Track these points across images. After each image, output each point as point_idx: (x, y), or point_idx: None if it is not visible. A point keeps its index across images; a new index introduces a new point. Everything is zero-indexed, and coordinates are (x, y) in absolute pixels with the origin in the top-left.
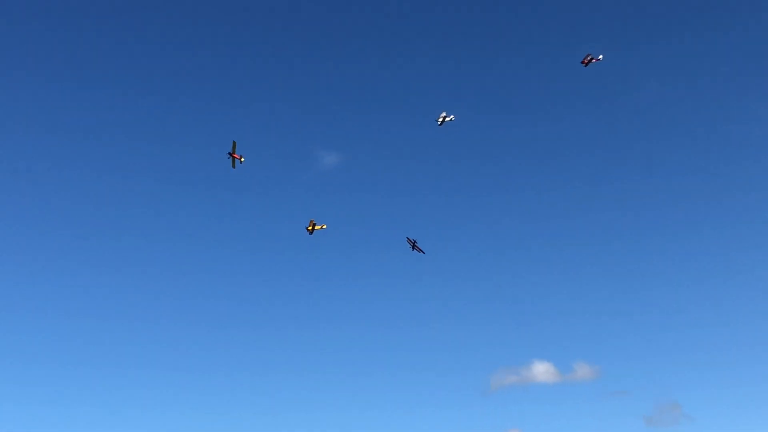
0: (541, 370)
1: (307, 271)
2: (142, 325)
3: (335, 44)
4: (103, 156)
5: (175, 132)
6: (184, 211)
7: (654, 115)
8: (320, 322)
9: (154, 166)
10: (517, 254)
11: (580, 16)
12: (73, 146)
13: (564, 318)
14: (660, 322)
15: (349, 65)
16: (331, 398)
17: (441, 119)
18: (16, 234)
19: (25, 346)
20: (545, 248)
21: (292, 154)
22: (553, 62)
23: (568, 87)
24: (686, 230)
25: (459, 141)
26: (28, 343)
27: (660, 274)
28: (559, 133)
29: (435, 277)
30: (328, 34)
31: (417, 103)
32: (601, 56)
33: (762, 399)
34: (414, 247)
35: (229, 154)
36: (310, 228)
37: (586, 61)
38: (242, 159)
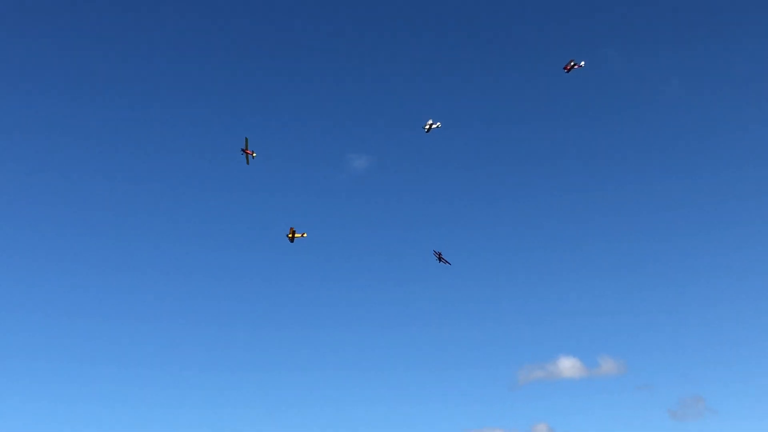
0: (567, 366)
1: (339, 273)
2: (177, 324)
3: (367, 50)
4: (135, 161)
5: (208, 136)
6: (218, 214)
7: (675, 116)
8: (353, 321)
9: (186, 171)
10: (543, 252)
11: (600, 17)
12: (102, 150)
13: (589, 314)
14: (683, 316)
15: (380, 70)
16: (364, 395)
17: (428, 126)
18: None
19: (26, 346)
20: (570, 246)
21: (323, 157)
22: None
23: (587, 89)
24: (710, 227)
25: (484, 145)
26: (29, 342)
27: (684, 270)
28: (580, 135)
29: (462, 277)
30: (359, 40)
31: (447, 107)
32: (582, 63)
33: None
34: (440, 259)
35: (243, 150)
36: (290, 236)
37: (568, 67)
38: (254, 154)
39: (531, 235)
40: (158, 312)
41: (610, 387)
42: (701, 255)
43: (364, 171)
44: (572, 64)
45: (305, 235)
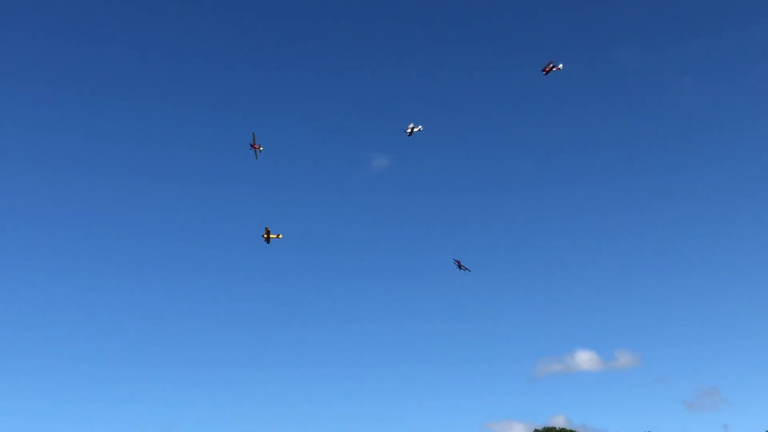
0: (584, 359)
1: (360, 270)
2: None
3: (388, 50)
4: (156, 161)
5: (231, 136)
6: (242, 212)
7: (688, 113)
8: (374, 318)
9: (209, 170)
10: (560, 249)
11: (613, 15)
12: (128, 148)
13: (605, 308)
14: (698, 310)
15: (401, 70)
16: (388, 389)
17: (409, 130)
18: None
19: (26, 344)
20: (586, 242)
21: (344, 156)
22: (590, 61)
23: (602, 85)
24: (723, 223)
25: (501, 144)
26: (29, 341)
27: (699, 264)
28: (595, 133)
29: (481, 273)
30: (380, 42)
31: (466, 106)
32: (560, 65)
33: None
34: (460, 266)
35: (251, 145)
36: (265, 236)
37: (547, 69)
38: (261, 148)
39: (548, 231)
40: (176, 309)
41: (626, 380)
42: (715, 250)
43: (384, 170)
44: (551, 66)
45: (281, 236)
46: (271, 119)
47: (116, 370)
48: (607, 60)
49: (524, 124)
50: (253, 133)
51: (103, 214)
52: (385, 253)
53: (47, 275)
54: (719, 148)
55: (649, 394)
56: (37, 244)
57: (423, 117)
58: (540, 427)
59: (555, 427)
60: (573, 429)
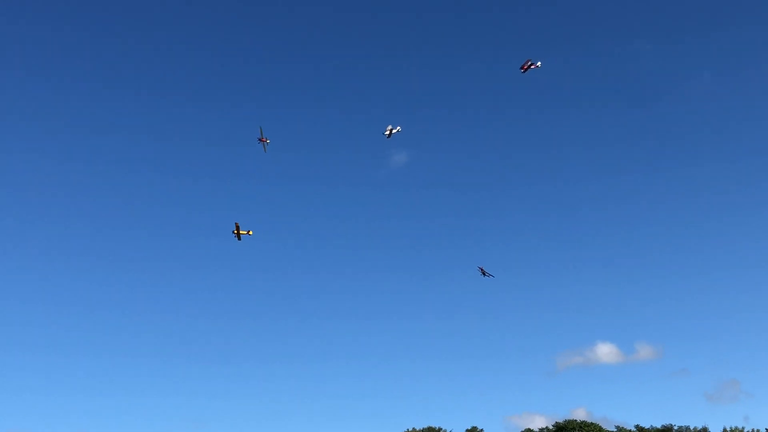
0: (605, 351)
1: (384, 265)
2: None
3: (407, 46)
4: (176, 157)
5: (251, 133)
6: (266, 208)
7: (706, 105)
8: (395, 313)
9: (235, 167)
10: (581, 242)
11: (631, 10)
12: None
13: (626, 301)
14: (718, 302)
15: (420, 65)
16: (410, 383)
17: (388, 132)
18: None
19: (60, 343)
20: (606, 235)
21: (364, 152)
22: (608, 55)
23: (619, 79)
24: (741, 216)
25: (522, 137)
26: (61, 340)
27: (719, 256)
28: (614, 126)
29: (502, 267)
30: (398, 38)
31: (486, 100)
32: (539, 63)
33: None
34: (484, 273)
35: (259, 139)
36: (235, 232)
37: (525, 67)
38: (268, 141)
39: (568, 226)
40: (190, 304)
41: (646, 372)
42: (736, 243)
43: (404, 165)
44: (529, 64)
45: (251, 233)
46: (291, 115)
47: (148, 367)
48: (624, 54)
49: (543, 119)
50: (260, 128)
51: (125, 211)
52: (405, 250)
53: (75, 273)
54: (738, 142)
55: (670, 386)
56: (68, 241)
57: (442, 112)
58: (561, 420)
59: (576, 420)
60: (593, 422)
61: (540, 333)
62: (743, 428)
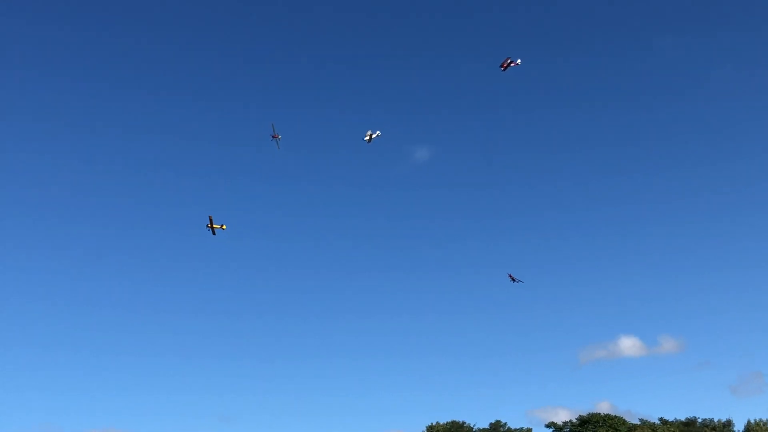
0: (628, 345)
1: (410, 262)
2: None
3: (427, 40)
4: (189, 157)
5: (264, 132)
6: (284, 208)
7: (728, 100)
8: (420, 308)
9: (252, 167)
10: (602, 236)
11: (653, 4)
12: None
13: (648, 294)
14: (741, 294)
15: (441, 59)
16: (436, 378)
17: (368, 137)
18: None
19: (93, 342)
20: (628, 229)
21: (383, 149)
22: (631, 50)
23: (643, 74)
24: (763, 209)
25: (546, 132)
26: (94, 339)
27: (741, 249)
28: (636, 120)
29: (524, 261)
30: (418, 32)
31: (508, 94)
32: (519, 60)
33: None
34: (513, 280)
35: (272, 136)
36: (209, 226)
37: (505, 65)
38: (280, 137)
39: (590, 218)
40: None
41: (670, 365)
42: (757, 235)
43: (425, 161)
44: (508, 62)
45: (224, 227)
46: (311, 113)
47: (176, 364)
48: (647, 49)
49: (567, 114)
50: (272, 125)
51: (146, 210)
52: (429, 247)
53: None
54: (758, 135)
55: (693, 379)
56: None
57: (465, 108)
58: (585, 413)
59: (600, 413)
60: (617, 415)
61: (563, 327)
62: None
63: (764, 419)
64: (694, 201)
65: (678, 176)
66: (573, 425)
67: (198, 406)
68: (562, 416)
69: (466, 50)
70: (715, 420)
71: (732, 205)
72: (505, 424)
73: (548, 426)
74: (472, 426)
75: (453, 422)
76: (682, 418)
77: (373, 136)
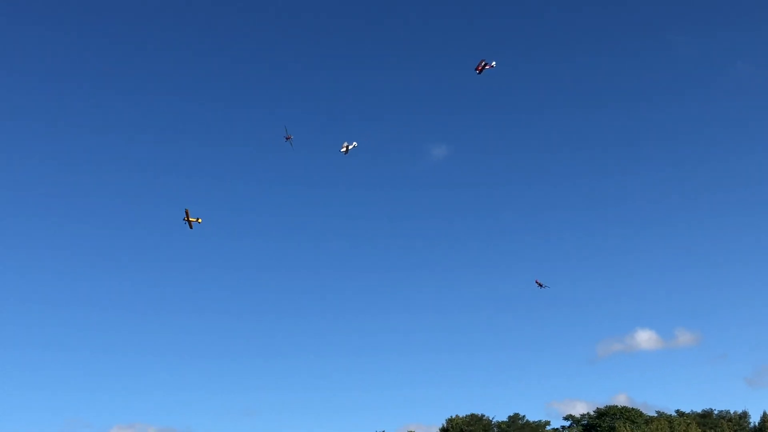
0: (644, 338)
1: (430, 259)
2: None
3: (443, 38)
4: (199, 157)
5: (278, 132)
6: (299, 209)
7: (740, 97)
8: (440, 305)
9: (267, 167)
10: (619, 230)
11: (666, 1)
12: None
13: (665, 287)
14: (756, 287)
15: (458, 56)
16: (455, 373)
17: (345, 148)
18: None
19: (119, 340)
20: (644, 223)
21: (402, 147)
22: (645, 47)
23: (657, 70)
24: None
25: (562, 130)
26: (122, 338)
27: (756, 243)
28: (650, 118)
29: (540, 257)
30: (436, 35)
31: (525, 97)
32: (494, 63)
33: None
34: (540, 285)
35: (285, 138)
36: (186, 219)
37: (480, 68)
38: (292, 137)
39: (605, 214)
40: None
41: (686, 358)
42: None
43: (443, 159)
44: (483, 64)
45: (200, 220)
46: (325, 111)
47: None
48: (661, 45)
49: (583, 113)
50: (285, 127)
51: (165, 211)
52: (446, 244)
53: (127, 273)
54: None
55: (710, 371)
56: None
57: (484, 106)
58: (602, 406)
59: (617, 406)
60: (634, 407)
61: (581, 322)
62: None
63: None
64: (711, 196)
65: (695, 172)
66: (590, 417)
67: (223, 401)
68: (579, 409)
69: (485, 46)
70: (731, 412)
71: (748, 199)
72: (524, 416)
73: (566, 418)
74: (491, 419)
75: (472, 415)
76: (699, 410)
77: (350, 147)
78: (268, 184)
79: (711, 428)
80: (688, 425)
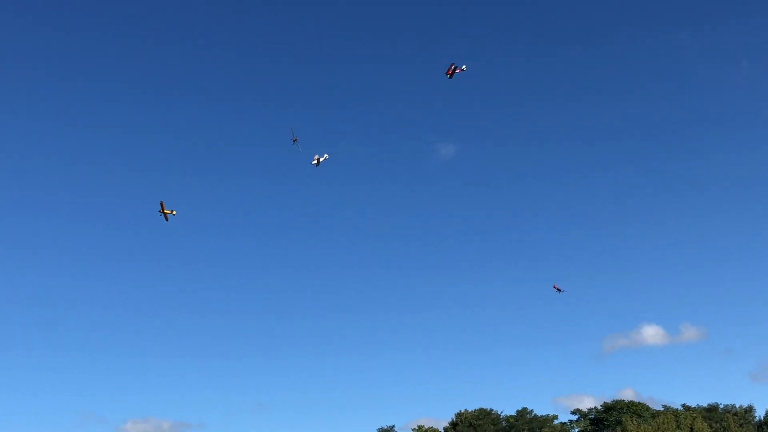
0: (650, 333)
1: (438, 257)
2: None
3: (453, 34)
4: (208, 157)
5: (285, 132)
6: (304, 206)
7: (746, 96)
8: (451, 301)
9: (274, 166)
10: (624, 226)
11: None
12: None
13: (670, 283)
14: (762, 282)
15: (468, 51)
16: (467, 367)
17: (316, 160)
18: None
19: (139, 341)
20: (649, 219)
21: (409, 145)
22: (648, 44)
23: (662, 71)
24: None
25: (564, 130)
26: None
27: (761, 239)
28: (658, 115)
29: (547, 253)
30: (443, 25)
31: (537, 93)
32: (464, 66)
33: None
34: (558, 290)
35: (293, 140)
36: (161, 211)
37: (450, 72)
38: (297, 139)
39: (611, 210)
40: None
41: (692, 353)
42: None
43: (450, 158)
44: (453, 68)
45: (174, 212)
46: (331, 109)
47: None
48: (664, 43)
49: (591, 109)
50: (291, 129)
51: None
52: (454, 241)
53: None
54: None
55: (715, 366)
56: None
57: (491, 102)
58: (609, 401)
59: (623, 400)
60: (641, 401)
61: (587, 317)
62: None
63: None
64: (716, 191)
65: (699, 167)
66: (598, 412)
67: (235, 397)
68: (587, 403)
69: (493, 43)
70: (737, 406)
71: (753, 195)
72: (532, 411)
73: (574, 413)
74: (499, 413)
75: (481, 410)
76: (705, 405)
77: (321, 159)
78: (276, 182)
79: (716, 422)
80: (694, 419)
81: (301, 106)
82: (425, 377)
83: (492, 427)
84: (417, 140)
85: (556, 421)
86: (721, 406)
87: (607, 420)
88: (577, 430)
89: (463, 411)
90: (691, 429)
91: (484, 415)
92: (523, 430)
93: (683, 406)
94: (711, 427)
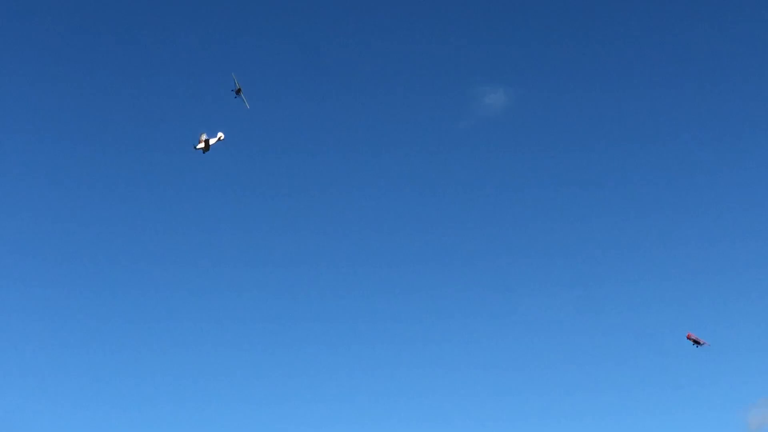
0: None
1: (467, 242)
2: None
3: None
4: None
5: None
6: (323, 181)
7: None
8: (459, 302)
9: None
10: (637, 226)
11: None
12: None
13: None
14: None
15: None
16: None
17: (202, 143)
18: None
19: (146, 346)
20: (671, 230)
21: (444, 92)
22: (650, 45)
23: (666, 70)
24: None
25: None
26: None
27: None
28: (666, 115)
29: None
30: None
31: (603, 25)
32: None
33: None
34: (698, 344)
35: (236, 91)
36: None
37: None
38: (240, 88)
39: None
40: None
41: None
42: None
43: (500, 110)
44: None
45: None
46: (347, 41)
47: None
48: (673, 46)
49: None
50: (233, 74)
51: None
52: (500, 225)
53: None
54: None
55: None
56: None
57: (550, 36)
58: None
59: None
60: None
61: (729, 375)
62: None
63: None
64: (731, 201)
65: (710, 176)
66: None
67: (248, 391)
68: None
69: None
70: None
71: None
72: None
73: None
74: None
75: None
76: None
77: (212, 141)
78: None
79: None
80: None
81: (307, 39)
82: (461, 395)
83: None
84: (452, 84)
85: None
86: None
87: None
88: None
89: None
90: None
91: None
92: None
93: None
94: None
